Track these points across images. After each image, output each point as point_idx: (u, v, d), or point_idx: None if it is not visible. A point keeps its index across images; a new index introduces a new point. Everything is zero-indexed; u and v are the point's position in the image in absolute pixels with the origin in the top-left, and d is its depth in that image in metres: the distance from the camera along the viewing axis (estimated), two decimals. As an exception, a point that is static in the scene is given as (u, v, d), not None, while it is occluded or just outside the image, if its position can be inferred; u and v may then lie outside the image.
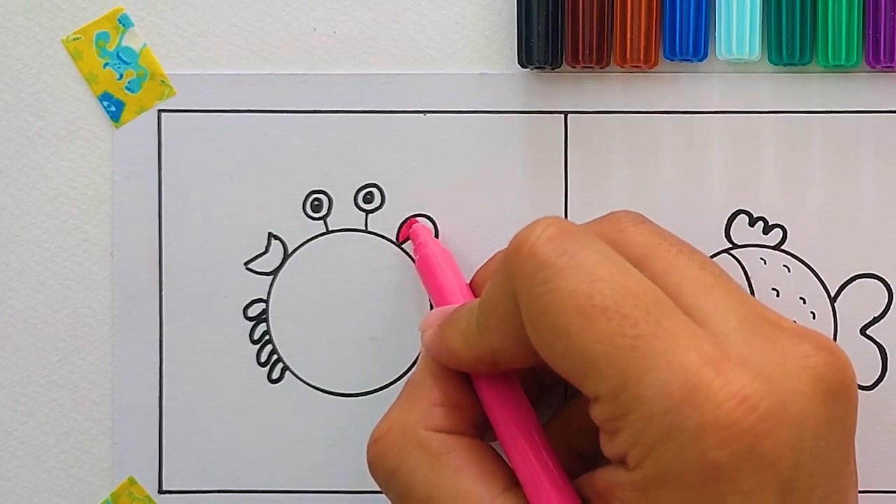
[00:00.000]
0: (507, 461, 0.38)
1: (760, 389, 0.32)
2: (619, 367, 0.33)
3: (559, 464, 0.37)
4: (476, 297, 0.42)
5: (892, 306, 0.44)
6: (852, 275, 0.44)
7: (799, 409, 0.33)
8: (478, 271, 0.43)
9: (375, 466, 0.38)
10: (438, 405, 0.38)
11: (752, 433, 0.32)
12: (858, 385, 0.43)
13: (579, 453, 0.40)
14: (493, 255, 0.42)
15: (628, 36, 0.43)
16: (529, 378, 0.40)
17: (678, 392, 0.32)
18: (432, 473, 0.37)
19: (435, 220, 0.44)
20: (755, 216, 0.44)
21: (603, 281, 0.33)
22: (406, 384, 0.40)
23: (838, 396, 0.34)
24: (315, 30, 0.45)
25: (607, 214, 0.39)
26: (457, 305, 0.40)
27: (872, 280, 0.44)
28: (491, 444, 0.39)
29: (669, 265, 0.36)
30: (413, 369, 0.40)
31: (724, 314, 0.35)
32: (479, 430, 0.39)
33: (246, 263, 0.45)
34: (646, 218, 0.39)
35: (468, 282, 0.43)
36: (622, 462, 0.34)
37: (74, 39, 0.45)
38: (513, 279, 0.35)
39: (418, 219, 0.44)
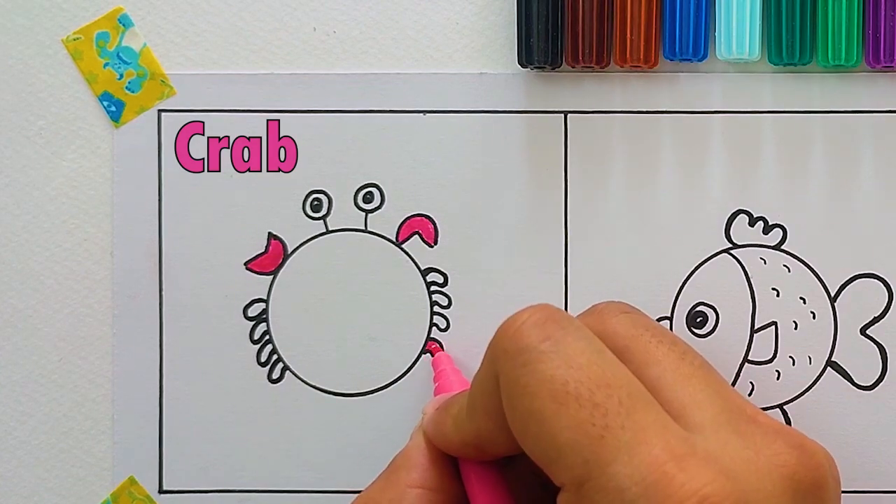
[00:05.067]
0: None
1: (723, 488, 0.32)
2: (585, 456, 0.33)
3: None
4: None
5: (892, 306, 0.44)
6: (852, 275, 0.44)
7: None
8: None
9: None
10: (415, 487, 0.38)
11: None
12: (859, 385, 0.44)
13: None
14: None
15: (628, 36, 0.43)
16: (528, 477, 0.40)
17: (637, 487, 0.32)
18: None
19: (435, 219, 0.44)
20: (755, 216, 0.44)
21: (580, 369, 0.33)
22: (389, 463, 0.40)
23: (809, 496, 0.34)
24: (315, 30, 0.45)
25: (591, 307, 0.40)
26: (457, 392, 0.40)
27: (872, 280, 0.44)
28: None
29: (650, 357, 0.36)
30: (400, 450, 0.40)
31: (700, 407, 0.35)
32: None
33: (246, 263, 0.45)
34: (630, 307, 0.39)
35: None
36: None
37: (74, 39, 0.45)
38: (496, 360, 0.35)
39: (438, 348, 0.44)
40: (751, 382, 0.44)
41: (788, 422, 0.44)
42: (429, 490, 0.38)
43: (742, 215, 0.44)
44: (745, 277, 0.44)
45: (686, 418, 0.34)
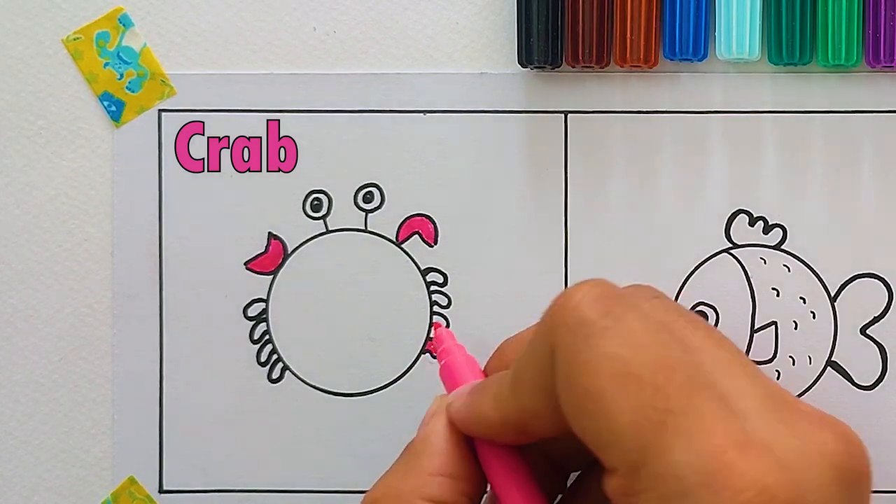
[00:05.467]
0: None
1: (780, 478, 0.31)
2: (644, 440, 0.32)
3: None
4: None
5: (892, 306, 0.44)
6: (852, 275, 0.44)
7: (816, 498, 0.32)
8: (501, 345, 0.41)
9: None
10: (437, 475, 0.37)
11: None
12: (859, 385, 0.44)
13: None
14: (516, 333, 0.41)
15: (628, 36, 0.43)
16: (539, 460, 0.39)
17: (697, 476, 0.31)
18: None
19: (435, 219, 0.44)
20: (755, 216, 0.44)
21: (643, 348, 0.32)
22: (403, 451, 0.38)
23: (854, 486, 0.34)
24: (315, 30, 0.45)
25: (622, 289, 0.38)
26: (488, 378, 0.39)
27: (872, 280, 0.44)
28: None
29: (687, 343, 0.35)
30: (413, 438, 0.39)
31: (743, 394, 0.34)
32: (475, 502, 0.38)
33: (246, 263, 0.45)
34: (659, 292, 0.38)
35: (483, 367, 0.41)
36: None
37: (74, 39, 0.45)
38: (553, 333, 0.34)
39: (440, 324, 0.44)
40: (751, 382, 0.44)
41: (788, 422, 0.44)
42: (451, 478, 0.37)
43: (742, 215, 0.44)
44: (745, 277, 0.44)
45: (730, 406, 0.33)
